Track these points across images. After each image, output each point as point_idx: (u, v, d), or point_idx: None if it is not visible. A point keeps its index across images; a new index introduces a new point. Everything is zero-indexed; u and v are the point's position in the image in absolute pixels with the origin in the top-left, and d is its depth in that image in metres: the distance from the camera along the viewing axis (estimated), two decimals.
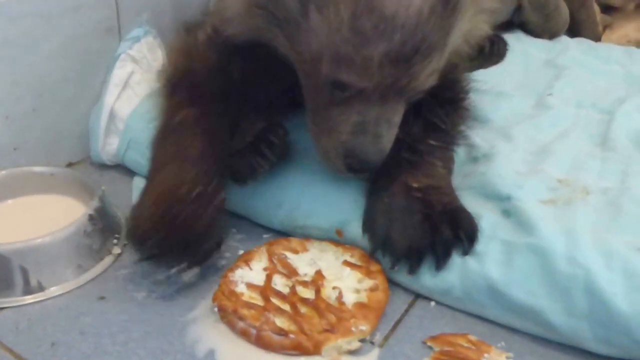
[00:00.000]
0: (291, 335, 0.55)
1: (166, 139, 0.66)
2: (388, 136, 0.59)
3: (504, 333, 0.58)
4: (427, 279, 0.61)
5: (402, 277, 0.62)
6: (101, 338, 0.58)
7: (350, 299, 0.59)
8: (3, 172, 0.73)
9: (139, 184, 0.81)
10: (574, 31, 1.21)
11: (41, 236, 0.62)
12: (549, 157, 0.73)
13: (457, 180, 0.69)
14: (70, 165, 0.87)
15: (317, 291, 0.59)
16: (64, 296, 0.63)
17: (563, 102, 0.88)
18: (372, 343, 0.57)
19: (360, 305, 0.58)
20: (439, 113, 0.68)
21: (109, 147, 0.84)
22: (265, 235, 0.72)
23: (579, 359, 0.56)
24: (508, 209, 0.63)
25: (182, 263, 0.60)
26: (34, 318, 0.60)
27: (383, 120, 0.58)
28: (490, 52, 0.82)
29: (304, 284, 0.60)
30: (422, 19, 0.54)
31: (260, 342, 0.55)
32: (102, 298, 0.63)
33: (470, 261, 0.59)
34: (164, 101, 0.71)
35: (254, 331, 0.55)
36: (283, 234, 0.71)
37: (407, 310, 0.61)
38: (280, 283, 0.61)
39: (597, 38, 1.22)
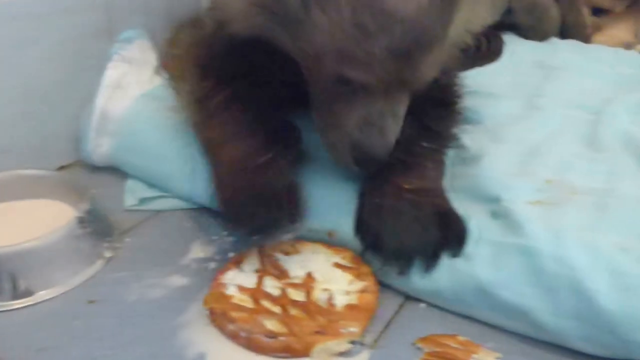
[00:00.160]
0: (281, 338, 0.55)
1: (213, 119, 0.67)
2: (393, 129, 0.60)
3: (493, 333, 0.59)
4: (417, 280, 0.61)
5: (392, 278, 0.63)
6: (90, 342, 0.57)
7: (340, 301, 0.59)
8: None
9: (131, 186, 0.81)
10: (564, 33, 1.22)
11: (29, 240, 0.62)
12: (538, 158, 0.73)
13: (446, 182, 0.69)
14: (61, 168, 0.87)
15: (308, 293, 0.59)
16: (53, 300, 0.62)
17: (552, 103, 0.89)
18: (362, 345, 0.57)
19: (350, 307, 0.58)
20: (432, 115, 0.69)
21: (100, 148, 0.84)
22: (256, 238, 0.72)
23: (565, 357, 0.56)
24: (497, 210, 0.64)
25: (281, 221, 0.60)
26: (22, 323, 0.60)
27: (388, 113, 0.59)
28: (487, 49, 0.83)
29: (295, 286, 0.60)
30: (422, 11, 0.55)
31: (250, 345, 0.55)
32: (92, 302, 0.62)
33: (459, 263, 0.60)
34: (193, 85, 0.70)
35: (243, 334, 0.55)
36: None
37: (397, 312, 0.62)
38: (271, 285, 0.61)
39: (586, 39, 1.23)
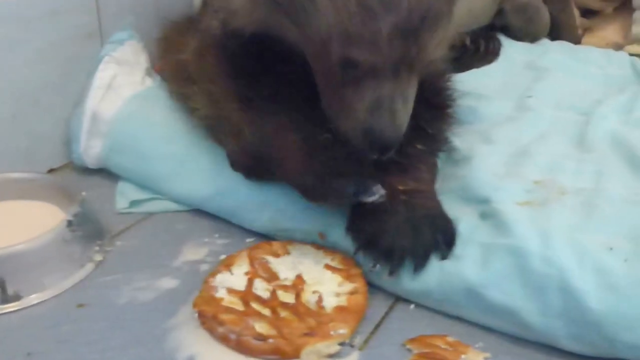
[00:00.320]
0: (270, 340, 0.55)
1: (263, 114, 0.66)
2: (404, 112, 0.60)
3: (482, 333, 0.59)
4: (407, 281, 0.61)
5: (382, 280, 0.63)
6: (79, 347, 0.57)
7: (330, 302, 0.59)
8: None
9: (123, 188, 0.81)
10: (554, 34, 1.23)
11: (18, 244, 0.62)
12: (527, 159, 0.74)
13: (437, 184, 0.70)
14: (52, 170, 0.87)
15: (297, 295, 0.59)
16: (42, 305, 0.62)
17: (542, 104, 0.90)
18: (352, 346, 0.57)
19: (339, 309, 0.58)
20: (427, 118, 0.69)
21: (91, 150, 0.84)
22: (248, 240, 0.72)
23: (554, 357, 0.56)
24: (486, 211, 0.64)
25: (367, 183, 0.60)
26: (10, 328, 0.59)
27: (397, 95, 0.58)
28: (485, 50, 0.83)
29: (285, 288, 0.61)
30: None
31: (240, 347, 0.55)
32: (81, 306, 0.62)
33: (448, 264, 0.60)
34: (222, 89, 0.70)
35: (233, 336, 0.55)
36: (266, 237, 0.71)
37: (387, 313, 0.62)
38: (261, 287, 0.61)
39: (577, 41, 1.24)
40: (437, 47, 0.59)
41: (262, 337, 0.55)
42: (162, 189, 0.79)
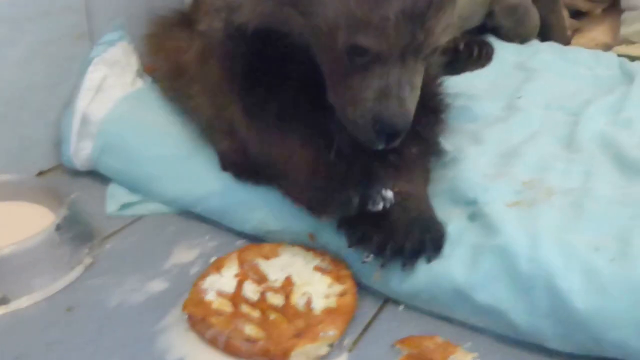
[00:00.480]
0: (259, 343, 0.55)
1: (270, 133, 0.66)
2: (411, 98, 0.60)
3: (471, 334, 0.59)
4: (395, 283, 0.62)
5: (372, 281, 0.63)
6: (67, 350, 0.57)
7: (319, 304, 0.59)
8: None
9: (113, 191, 0.81)
10: (544, 35, 1.24)
11: (6, 246, 0.62)
12: (516, 159, 0.74)
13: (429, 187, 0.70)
14: (42, 173, 0.86)
15: (287, 297, 0.60)
16: (30, 308, 0.62)
17: (532, 104, 0.90)
18: (342, 348, 0.57)
19: (328, 310, 0.58)
20: (422, 122, 0.69)
21: (81, 152, 0.84)
22: (238, 242, 0.72)
23: (542, 356, 0.57)
24: (475, 212, 0.64)
25: (373, 194, 0.60)
26: None
27: (405, 82, 0.59)
28: (478, 55, 0.84)
29: (274, 290, 0.61)
30: None
31: (229, 350, 0.55)
32: (71, 309, 0.62)
33: (436, 265, 0.60)
34: (233, 98, 0.69)
35: (222, 339, 0.56)
36: (256, 239, 0.71)
37: (376, 314, 0.62)
38: (250, 289, 0.61)
39: (566, 42, 1.25)
40: (443, 33, 0.59)
41: (251, 340, 0.55)
42: (152, 190, 0.79)
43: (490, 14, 1.17)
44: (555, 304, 0.55)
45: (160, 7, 0.88)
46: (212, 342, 0.56)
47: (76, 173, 0.86)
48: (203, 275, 0.63)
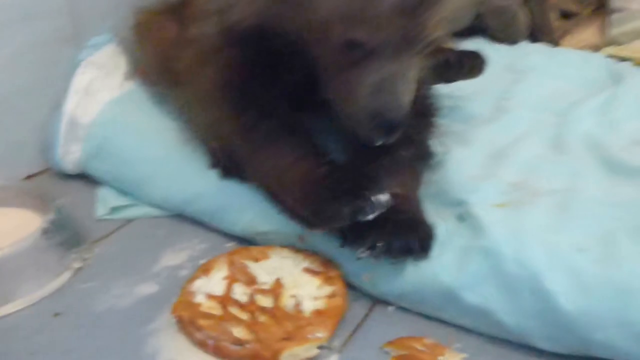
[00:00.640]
0: (248, 345, 0.55)
1: (263, 151, 0.67)
2: (406, 92, 0.61)
3: (460, 334, 0.59)
4: (385, 284, 0.62)
5: (361, 282, 0.63)
6: (54, 356, 0.56)
7: (308, 306, 0.59)
8: None
9: (103, 195, 0.81)
10: (533, 36, 1.24)
11: None
12: (504, 160, 0.74)
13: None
14: (30, 177, 0.86)
15: (276, 299, 0.59)
16: (16, 315, 0.61)
17: (520, 105, 0.90)
18: (331, 349, 0.58)
19: (317, 312, 0.58)
20: (413, 125, 0.70)
21: (70, 155, 0.83)
22: (227, 244, 0.72)
23: (531, 357, 0.57)
24: (462, 213, 0.65)
25: (369, 201, 0.59)
26: None
27: (399, 76, 0.59)
28: (470, 68, 0.86)
29: (263, 292, 0.61)
30: None
31: (218, 352, 0.55)
32: (58, 314, 0.62)
33: (425, 266, 0.60)
34: (226, 114, 0.69)
35: (211, 341, 0.55)
36: (246, 242, 0.71)
37: (366, 315, 0.62)
38: (240, 292, 0.61)
39: (555, 43, 1.25)
40: (437, 27, 0.60)
41: (240, 342, 0.55)
42: (141, 192, 0.79)
43: (478, 16, 1.17)
44: (542, 305, 0.55)
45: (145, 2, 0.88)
46: (201, 345, 0.56)
47: (65, 176, 0.85)
48: (192, 278, 0.63)
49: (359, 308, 0.63)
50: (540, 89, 0.98)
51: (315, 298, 0.60)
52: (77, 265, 0.68)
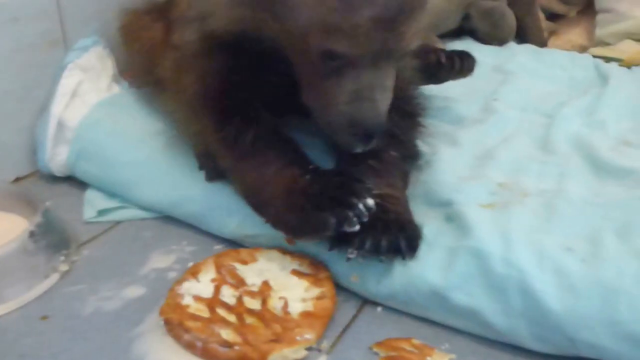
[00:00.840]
0: (236, 347, 0.55)
1: (248, 160, 0.66)
2: (383, 100, 0.61)
3: (448, 335, 0.60)
4: (373, 284, 0.62)
5: (350, 282, 0.63)
6: (41, 359, 0.56)
7: (296, 308, 0.59)
8: None
9: (90, 197, 0.80)
10: (521, 37, 1.25)
11: None
12: (492, 161, 0.75)
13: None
14: (18, 179, 0.85)
15: (264, 301, 0.59)
16: (3, 318, 0.61)
17: (508, 106, 0.91)
18: (319, 350, 0.58)
19: (305, 314, 0.58)
20: (401, 125, 0.70)
21: (57, 157, 0.83)
22: (216, 247, 0.72)
23: (519, 356, 0.57)
24: (450, 214, 0.65)
25: (355, 208, 0.59)
26: None
27: (377, 85, 0.60)
28: (460, 67, 0.87)
29: (251, 294, 0.61)
30: None
31: (206, 355, 0.55)
32: (45, 318, 0.61)
33: (413, 267, 0.60)
34: (208, 124, 0.69)
35: (199, 344, 0.55)
36: (234, 244, 0.71)
37: (355, 316, 0.62)
38: (228, 294, 0.61)
39: (543, 44, 1.26)
40: (413, 37, 0.60)
41: (228, 344, 0.55)
42: (129, 195, 0.78)
43: (466, 17, 1.18)
44: (529, 304, 0.55)
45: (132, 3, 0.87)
46: (189, 347, 0.56)
47: (53, 179, 0.85)
48: (179, 281, 0.62)
49: (348, 309, 0.63)
50: (528, 90, 0.99)
51: (304, 300, 0.60)
52: (64, 268, 0.68)
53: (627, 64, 1.14)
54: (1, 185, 0.75)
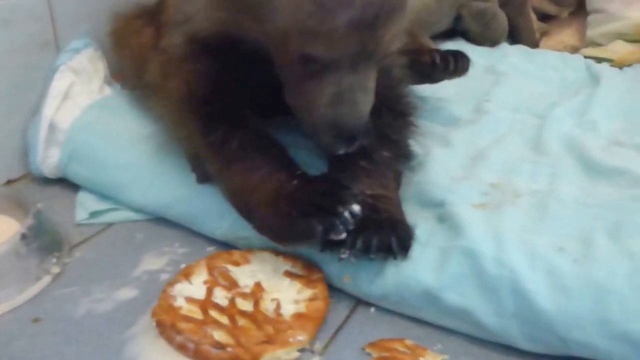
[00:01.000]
0: (229, 349, 0.55)
1: (234, 165, 0.66)
2: (365, 102, 0.61)
3: (441, 335, 0.60)
4: (366, 285, 0.62)
5: (343, 283, 0.63)
6: None
7: (288, 310, 0.59)
8: None
9: (82, 199, 0.80)
10: (513, 38, 1.26)
11: None
12: (484, 161, 0.75)
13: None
14: (10, 182, 0.85)
15: (256, 303, 0.59)
16: None
17: (500, 107, 0.92)
18: (312, 352, 0.57)
19: (298, 315, 0.58)
20: (393, 125, 0.70)
21: (49, 159, 0.83)
22: (209, 248, 0.72)
23: (511, 357, 0.57)
24: (442, 214, 0.65)
25: (340, 217, 0.59)
26: None
27: (357, 87, 0.60)
28: (454, 67, 0.87)
29: (244, 296, 0.60)
30: None
31: (198, 356, 0.55)
32: (37, 320, 0.61)
33: (405, 267, 0.60)
34: (195, 130, 0.69)
35: (191, 345, 0.55)
36: (227, 246, 0.71)
37: (348, 317, 0.62)
38: (220, 296, 0.61)
39: (534, 45, 1.27)
40: (393, 40, 0.60)
41: (220, 346, 0.55)
42: (121, 197, 0.78)
43: (458, 18, 1.19)
44: (521, 304, 0.55)
45: (123, 7, 0.87)
46: (181, 349, 0.56)
47: (45, 181, 0.84)
48: (172, 282, 0.62)
49: (341, 309, 0.63)
50: (520, 91, 0.99)
51: (296, 301, 0.60)
52: (56, 270, 0.67)
53: (619, 65, 1.15)
54: None
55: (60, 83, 0.84)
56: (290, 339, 0.56)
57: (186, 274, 0.63)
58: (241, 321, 0.57)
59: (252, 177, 0.64)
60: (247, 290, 0.61)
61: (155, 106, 0.76)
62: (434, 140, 0.80)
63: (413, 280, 0.59)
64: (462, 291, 0.58)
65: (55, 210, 0.77)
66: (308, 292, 0.61)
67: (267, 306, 0.59)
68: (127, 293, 0.65)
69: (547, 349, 0.56)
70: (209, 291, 0.61)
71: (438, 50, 0.90)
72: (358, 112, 0.60)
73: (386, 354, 0.56)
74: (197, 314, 0.58)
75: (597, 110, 0.91)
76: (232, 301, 0.59)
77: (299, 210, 0.59)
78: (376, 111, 0.65)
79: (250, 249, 0.68)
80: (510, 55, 1.15)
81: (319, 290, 0.61)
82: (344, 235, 0.59)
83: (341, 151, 0.62)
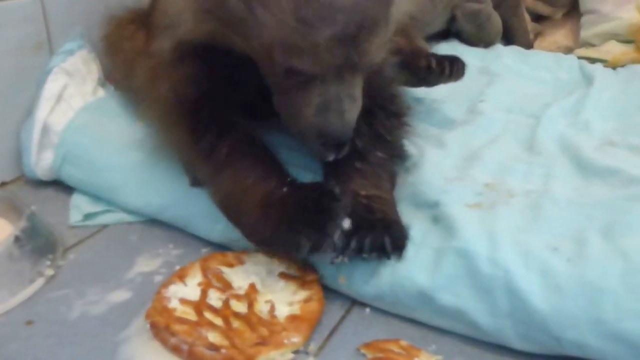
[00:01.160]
0: (223, 350, 0.54)
1: (224, 171, 0.66)
2: (351, 110, 0.61)
3: (435, 336, 0.60)
4: (360, 285, 0.62)
5: (338, 284, 0.63)
6: None
7: (282, 312, 0.59)
8: None
9: (76, 201, 0.80)
10: (507, 39, 1.27)
11: None
12: (478, 162, 0.75)
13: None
14: (4, 184, 0.85)
15: (250, 305, 0.59)
16: None
17: (494, 108, 0.92)
18: (307, 353, 0.57)
19: (292, 317, 0.58)
20: (386, 125, 0.70)
21: (43, 162, 0.82)
22: (203, 250, 0.72)
23: (506, 357, 0.57)
24: (436, 214, 0.65)
25: (330, 228, 0.59)
26: None
27: (344, 96, 0.60)
28: (450, 72, 0.88)
29: (238, 297, 0.60)
30: None
31: (193, 358, 0.55)
32: (30, 323, 0.61)
33: (400, 268, 0.60)
34: (184, 135, 0.69)
35: (185, 347, 0.55)
36: (221, 247, 0.71)
37: (343, 317, 0.62)
38: (215, 297, 0.61)
39: (529, 45, 1.28)
40: (377, 51, 0.60)
41: (214, 347, 0.55)
42: (115, 199, 0.78)
43: (452, 19, 1.19)
44: (515, 304, 0.55)
45: (117, 10, 0.87)
46: (175, 351, 0.56)
47: (39, 183, 0.84)
48: (166, 284, 0.62)
49: (336, 310, 0.63)
50: (514, 91, 0.99)
51: (290, 303, 0.60)
52: (50, 272, 0.67)
53: (612, 65, 1.16)
54: None
55: (53, 85, 0.83)
56: (285, 341, 0.56)
57: (180, 276, 0.63)
58: (235, 323, 0.57)
59: (242, 183, 0.64)
60: (242, 292, 0.61)
61: (145, 111, 0.76)
62: (428, 141, 0.80)
63: (407, 280, 0.59)
64: (456, 291, 0.58)
65: (49, 212, 0.77)
66: (303, 294, 0.61)
67: (262, 308, 0.59)
68: (121, 295, 0.65)
69: (541, 348, 0.56)
70: (203, 293, 0.61)
71: (434, 55, 0.90)
72: (345, 121, 0.61)
73: (381, 355, 0.56)
74: (191, 315, 0.58)
75: (590, 111, 0.92)
76: (226, 303, 0.59)
77: (288, 223, 0.59)
78: (370, 112, 0.65)
79: (244, 250, 0.67)
80: (504, 56, 1.15)
81: (314, 291, 0.61)
82: (330, 250, 0.59)
83: (330, 158, 0.63)
